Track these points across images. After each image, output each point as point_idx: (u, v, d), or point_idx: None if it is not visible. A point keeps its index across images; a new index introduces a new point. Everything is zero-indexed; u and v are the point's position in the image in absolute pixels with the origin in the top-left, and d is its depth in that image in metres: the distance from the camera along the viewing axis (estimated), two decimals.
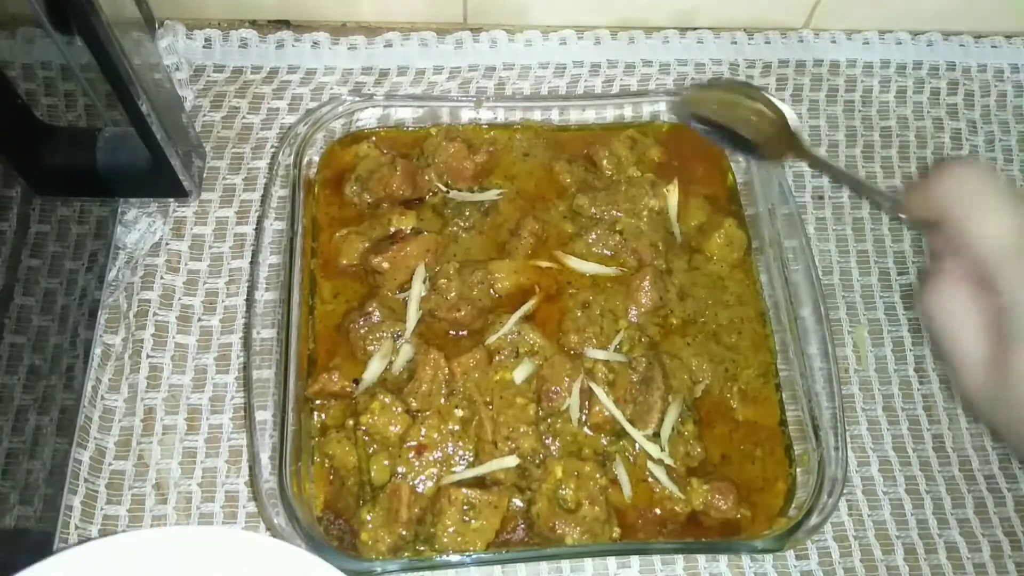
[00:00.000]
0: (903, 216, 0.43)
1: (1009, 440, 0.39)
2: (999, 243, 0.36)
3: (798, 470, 0.53)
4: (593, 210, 0.59)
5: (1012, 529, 0.56)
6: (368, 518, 0.48)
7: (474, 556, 0.48)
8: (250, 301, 0.55)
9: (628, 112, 0.63)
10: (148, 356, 0.58)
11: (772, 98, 0.55)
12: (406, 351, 0.53)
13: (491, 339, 0.53)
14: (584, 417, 0.52)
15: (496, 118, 0.62)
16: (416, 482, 0.50)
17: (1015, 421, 0.37)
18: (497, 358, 0.53)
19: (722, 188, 0.62)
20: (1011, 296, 0.36)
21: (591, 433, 0.52)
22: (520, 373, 0.52)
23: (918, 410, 0.59)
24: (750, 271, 0.59)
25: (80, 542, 0.39)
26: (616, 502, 0.51)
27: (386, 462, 0.50)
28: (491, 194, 0.60)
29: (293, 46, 0.69)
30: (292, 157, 0.57)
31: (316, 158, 0.60)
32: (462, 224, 0.58)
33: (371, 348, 0.53)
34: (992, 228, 0.37)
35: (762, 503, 0.52)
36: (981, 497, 0.57)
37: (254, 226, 0.62)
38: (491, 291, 0.56)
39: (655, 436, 0.52)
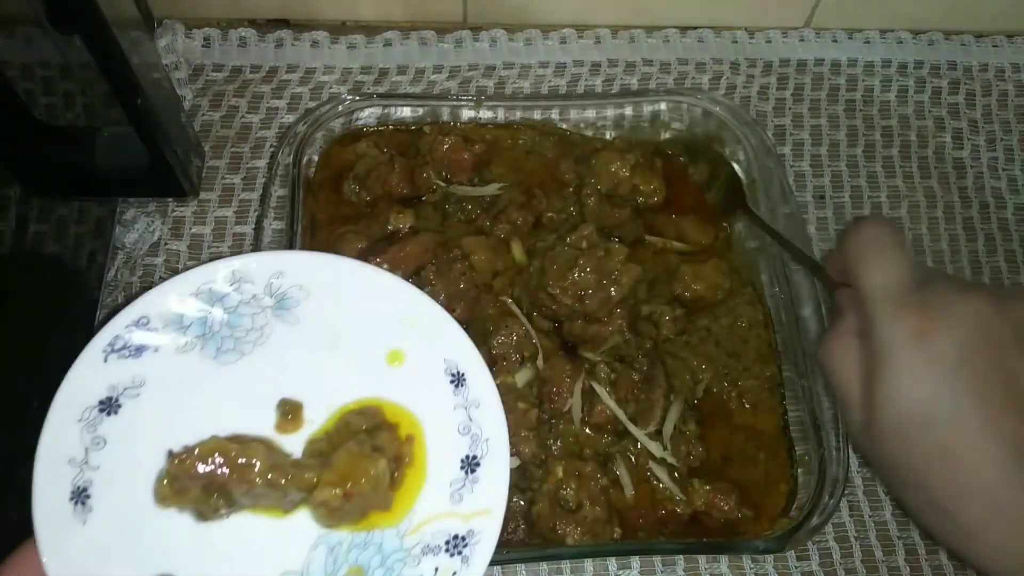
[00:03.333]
0: (827, 282, 0.45)
1: (881, 476, 0.42)
2: (882, 290, 0.39)
3: (799, 470, 0.52)
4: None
5: None
6: None
7: None
8: None
9: (629, 111, 0.63)
10: None
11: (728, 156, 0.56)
12: None
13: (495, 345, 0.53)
14: (585, 417, 0.52)
15: (496, 117, 0.62)
16: None
17: (883, 455, 0.39)
18: (502, 363, 0.53)
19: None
20: (878, 336, 0.38)
21: (592, 433, 0.52)
22: (521, 378, 0.52)
23: None
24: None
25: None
26: (617, 502, 0.51)
27: None
28: (492, 188, 0.59)
29: (292, 45, 0.69)
30: (291, 156, 0.57)
31: (316, 157, 0.60)
32: (462, 218, 0.58)
33: None
34: (879, 277, 0.39)
35: (763, 503, 0.52)
36: None
37: (253, 226, 0.62)
38: (473, 276, 0.55)
39: (657, 434, 0.52)
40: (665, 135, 0.63)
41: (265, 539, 0.38)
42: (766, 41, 0.72)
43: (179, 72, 0.67)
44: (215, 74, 0.68)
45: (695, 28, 0.72)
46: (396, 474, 0.38)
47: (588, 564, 0.53)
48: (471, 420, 0.40)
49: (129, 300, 0.39)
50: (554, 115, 0.63)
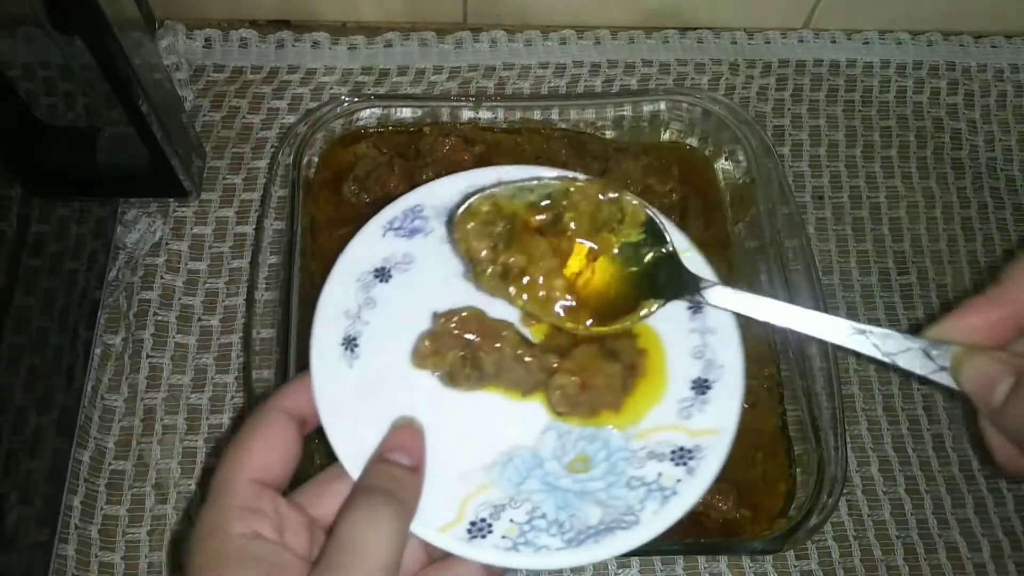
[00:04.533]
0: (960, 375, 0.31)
1: None
2: None
3: (798, 470, 0.53)
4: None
5: (1012, 529, 0.56)
6: None
7: None
8: (250, 301, 0.55)
9: (628, 112, 0.63)
10: (148, 356, 0.58)
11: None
12: None
13: None
14: None
15: (496, 117, 0.62)
16: None
17: None
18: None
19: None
20: None
21: None
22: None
23: (918, 410, 0.59)
24: None
25: None
26: None
27: None
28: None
29: (293, 46, 0.69)
30: (292, 157, 0.57)
31: (316, 158, 0.60)
32: None
33: None
34: None
35: (762, 503, 0.52)
36: (981, 497, 0.57)
37: (254, 226, 0.62)
38: None
39: None
40: (665, 135, 0.63)
41: (502, 414, 0.40)
42: (765, 42, 0.72)
43: (180, 73, 0.67)
44: (216, 75, 0.68)
45: (694, 29, 0.72)
46: (628, 381, 0.40)
47: (588, 564, 0.53)
48: (705, 346, 0.41)
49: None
50: (554, 115, 0.63)
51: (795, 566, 0.54)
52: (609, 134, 0.63)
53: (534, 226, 0.42)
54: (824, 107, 0.70)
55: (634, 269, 0.42)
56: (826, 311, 0.53)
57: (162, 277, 0.60)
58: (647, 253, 0.41)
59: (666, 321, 0.41)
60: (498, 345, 0.40)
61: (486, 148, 0.61)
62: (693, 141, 0.63)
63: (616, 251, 0.42)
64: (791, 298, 0.55)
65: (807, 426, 0.52)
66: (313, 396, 0.39)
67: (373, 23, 0.71)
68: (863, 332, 0.36)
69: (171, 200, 0.62)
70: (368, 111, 0.61)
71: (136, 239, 0.61)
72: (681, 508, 0.37)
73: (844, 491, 0.50)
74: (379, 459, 0.37)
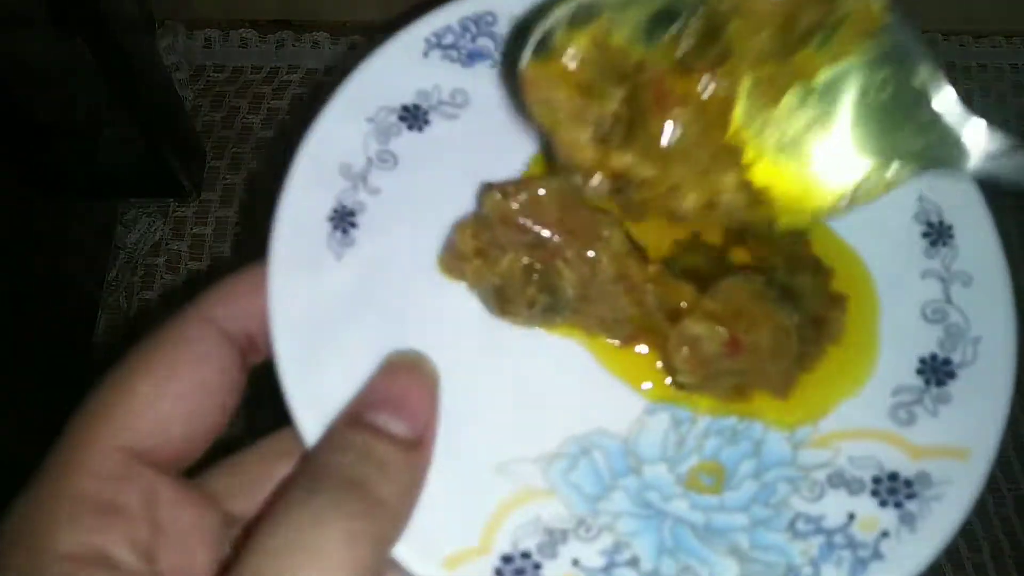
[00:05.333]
0: None
1: None
2: None
3: None
4: None
5: (1012, 529, 0.56)
6: None
7: None
8: None
9: None
10: None
11: None
12: None
13: None
14: None
15: None
16: None
17: None
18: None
19: None
20: None
21: None
22: None
23: None
24: None
25: None
26: None
27: None
28: None
29: (293, 46, 0.69)
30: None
31: None
32: None
33: None
34: None
35: None
36: (981, 497, 0.57)
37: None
38: None
39: None
40: None
41: (580, 375, 0.25)
42: None
43: (180, 73, 0.67)
44: (216, 75, 0.68)
45: None
46: (811, 347, 0.25)
47: None
48: (950, 302, 0.26)
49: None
50: None
51: None
52: None
53: (669, 73, 0.22)
54: None
55: (859, 116, 0.24)
56: None
57: (162, 277, 0.60)
58: (884, 88, 0.26)
59: (886, 254, 0.26)
60: (591, 254, 0.23)
61: None
62: None
63: (824, 85, 0.24)
64: None
65: None
66: (268, 301, 0.24)
67: (374, 23, 0.71)
68: None
69: (171, 200, 0.62)
70: None
71: (136, 239, 0.61)
72: None
73: None
74: (350, 421, 0.22)
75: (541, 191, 0.23)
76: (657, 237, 0.25)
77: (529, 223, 0.23)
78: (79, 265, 0.56)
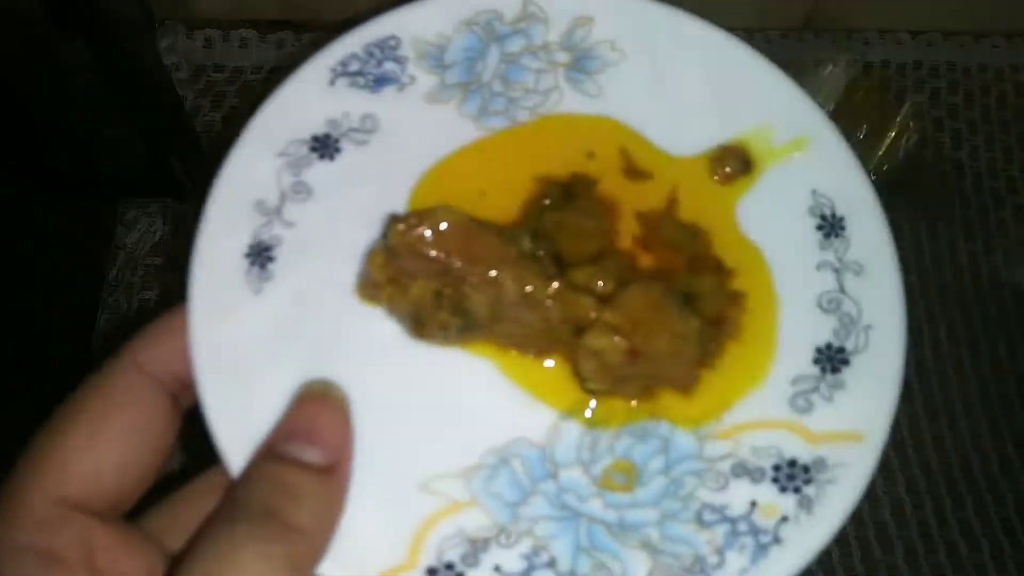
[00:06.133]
0: None
1: None
2: None
3: None
4: None
5: (1012, 529, 0.56)
6: None
7: None
8: None
9: None
10: None
11: None
12: None
13: None
14: None
15: None
16: None
17: None
18: None
19: None
20: None
21: None
22: None
23: (919, 411, 0.59)
24: None
25: None
26: None
27: None
28: None
29: (293, 46, 0.69)
30: None
31: None
32: None
33: None
34: None
35: None
36: (981, 497, 0.57)
37: None
38: None
39: None
40: None
41: (497, 389, 0.26)
42: (765, 42, 0.72)
43: (180, 73, 0.67)
44: (216, 75, 0.68)
45: None
46: (712, 345, 0.26)
47: None
48: (844, 292, 0.27)
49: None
50: None
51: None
52: None
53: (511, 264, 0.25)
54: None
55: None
56: None
57: (162, 277, 0.60)
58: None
59: (784, 248, 0.28)
60: (496, 274, 0.25)
61: None
62: None
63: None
64: None
65: None
66: (189, 342, 0.24)
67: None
68: None
69: (171, 200, 0.62)
70: None
71: (136, 239, 0.61)
72: (787, 568, 0.24)
73: None
74: (265, 453, 0.22)
75: (443, 223, 0.25)
76: (568, 249, 0.27)
77: (434, 252, 0.24)
78: (79, 265, 0.56)
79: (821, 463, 0.25)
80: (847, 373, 0.26)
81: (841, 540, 0.55)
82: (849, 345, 0.26)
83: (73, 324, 0.54)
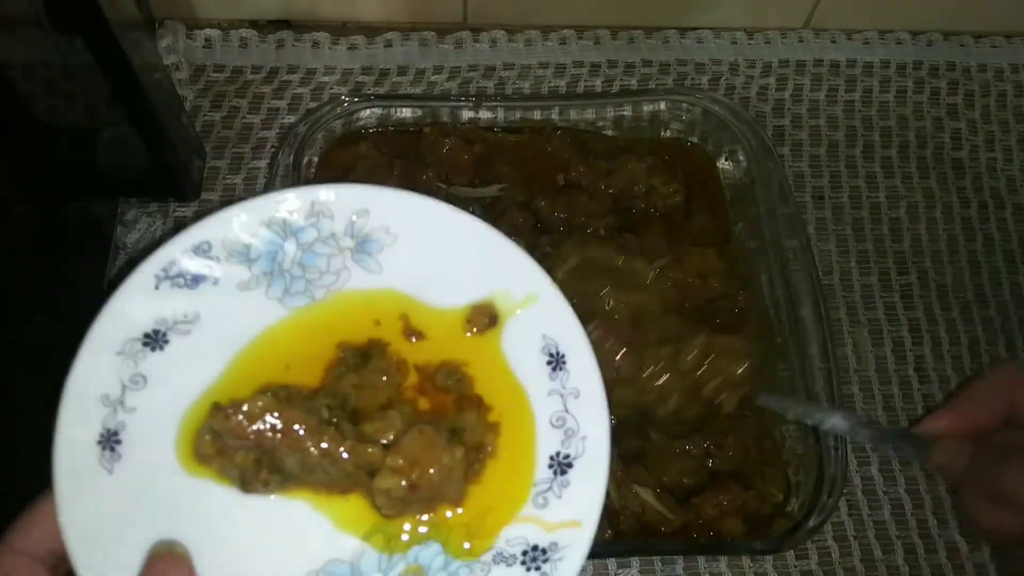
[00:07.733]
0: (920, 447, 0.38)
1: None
2: None
3: (800, 470, 0.53)
4: None
5: None
6: None
7: None
8: None
9: (628, 112, 0.63)
10: None
11: None
12: None
13: None
14: None
15: (496, 117, 0.62)
16: None
17: None
18: None
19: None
20: None
21: None
22: None
23: (918, 410, 0.59)
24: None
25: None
26: (608, 506, 0.50)
27: None
28: (492, 189, 0.60)
29: (293, 46, 0.69)
30: (291, 157, 0.57)
31: (316, 158, 0.60)
32: None
33: None
34: None
35: (761, 502, 0.52)
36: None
37: None
38: None
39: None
40: (665, 135, 0.63)
41: (313, 523, 0.33)
42: (765, 42, 0.72)
43: (180, 73, 0.67)
44: (216, 75, 0.68)
45: (694, 29, 0.72)
46: (475, 465, 0.34)
47: (588, 563, 0.53)
48: (567, 412, 0.35)
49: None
50: (554, 115, 0.63)
51: (795, 566, 0.54)
52: (609, 134, 0.63)
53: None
54: (824, 107, 0.70)
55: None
56: (826, 311, 0.53)
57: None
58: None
59: (529, 380, 0.35)
60: (301, 441, 0.32)
61: (486, 148, 0.61)
62: (694, 140, 0.63)
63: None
64: (791, 298, 0.55)
65: (806, 426, 0.52)
66: (58, 521, 0.30)
67: (373, 23, 0.71)
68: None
69: (171, 200, 0.62)
70: (368, 111, 0.61)
71: (136, 239, 0.61)
72: None
73: (844, 491, 0.50)
74: None
75: (258, 404, 0.32)
76: (363, 403, 0.34)
77: (250, 430, 0.32)
78: (79, 265, 0.56)
79: (555, 546, 0.33)
80: (571, 474, 0.34)
81: (841, 540, 0.55)
82: (572, 452, 0.34)
83: (73, 325, 0.54)
